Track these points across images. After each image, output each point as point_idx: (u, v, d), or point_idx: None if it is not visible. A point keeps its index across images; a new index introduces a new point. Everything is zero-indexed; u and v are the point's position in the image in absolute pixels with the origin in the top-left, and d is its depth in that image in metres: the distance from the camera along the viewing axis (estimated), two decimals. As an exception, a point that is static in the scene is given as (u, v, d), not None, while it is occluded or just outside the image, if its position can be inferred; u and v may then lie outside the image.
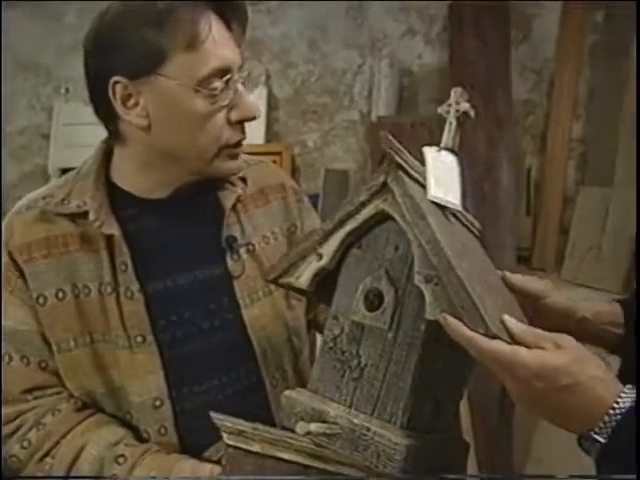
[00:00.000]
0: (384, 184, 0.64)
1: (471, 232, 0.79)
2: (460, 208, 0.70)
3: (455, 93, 0.74)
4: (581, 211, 2.37)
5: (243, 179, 0.96)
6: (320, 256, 0.68)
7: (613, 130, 2.27)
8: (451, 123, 0.73)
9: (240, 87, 0.84)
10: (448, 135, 0.73)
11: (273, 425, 0.68)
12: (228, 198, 0.93)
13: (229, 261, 0.91)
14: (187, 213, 0.91)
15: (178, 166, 0.87)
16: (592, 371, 0.56)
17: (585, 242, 2.33)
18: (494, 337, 0.56)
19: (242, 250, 0.92)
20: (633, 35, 2.21)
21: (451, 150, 0.72)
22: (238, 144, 0.87)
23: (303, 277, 0.70)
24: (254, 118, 0.85)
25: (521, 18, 2.54)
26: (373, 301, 0.65)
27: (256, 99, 2.81)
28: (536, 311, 0.75)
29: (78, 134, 2.62)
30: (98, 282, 0.84)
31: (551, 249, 2.51)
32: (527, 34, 2.59)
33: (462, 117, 0.74)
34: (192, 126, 0.81)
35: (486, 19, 2.54)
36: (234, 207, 0.94)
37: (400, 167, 0.64)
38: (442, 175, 0.68)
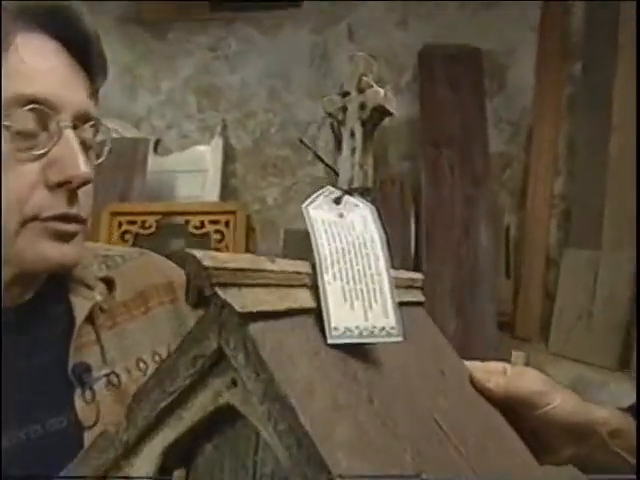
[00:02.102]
0: (219, 354, 0.32)
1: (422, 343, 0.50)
2: (397, 336, 0.38)
3: (355, 64, 0.47)
4: (567, 275, 2.16)
5: (107, 280, 0.68)
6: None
7: (598, 187, 2.08)
8: (353, 132, 0.47)
9: (71, 137, 0.57)
10: (348, 158, 0.46)
11: None
12: (80, 308, 0.64)
13: (78, 403, 0.62)
14: (29, 329, 0.63)
15: None
16: None
17: (573, 310, 2.11)
18: None
19: (100, 384, 0.63)
20: (612, 87, 2.06)
21: (361, 191, 0.47)
22: (64, 218, 0.59)
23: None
24: (82, 184, 0.58)
25: (495, 68, 2.39)
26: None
27: (212, 150, 2.57)
28: (535, 427, 0.51)
29: None
30: None
31: (535, 316, 2.28)
32: (502, 84, 2.43)
33: (374, 117, 0.47)
34: None
35: (458, 68, 2.38)
36: (92, 321, 0.65)
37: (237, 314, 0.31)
38: (351, 269, 0.38)
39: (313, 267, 0.37)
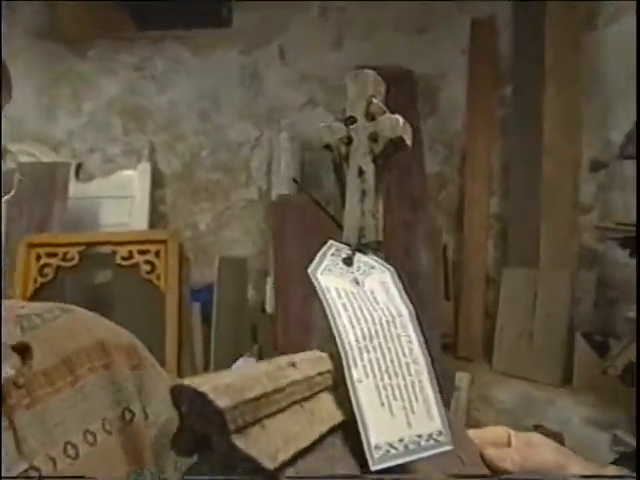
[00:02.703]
0: None
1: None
2: (446, 444, 0.31)
3: (362, 84, 0.40)
4: (506, 294, 2.17)
5: (22, 347, 0.55)
6: None
7: (533, 207, 2.12)
8: (362, 170, 0.40)
9: None
10: (357, 205, 0.39)
11: None
12: None
13: None
14: None
15: None
16: None
17: (514, 328, 2.11)
18: None
19: None
20: (542, 108, 2.12)
21: (375, 247, 0.40)
22: None
23: None
24: None
25: (427, 90, 2.40)
26: None
27: (139, 175, 2.43)
28: None
29: None
30: None
31: (477, 336, 2.27)
32: (434, 107, 2.44)
33: (388, 150, 0.38)
34: None
35: (392, 90, 2.37)
36: (1, 402, 0.52)
37: None
38: (383, 359, 0.31)
39: (332, 356, 0.30)
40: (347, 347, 0.29)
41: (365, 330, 0.31)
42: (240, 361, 2.02)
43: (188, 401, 0.22)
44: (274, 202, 2.38)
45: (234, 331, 2.18)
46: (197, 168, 2.54)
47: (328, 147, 0.39)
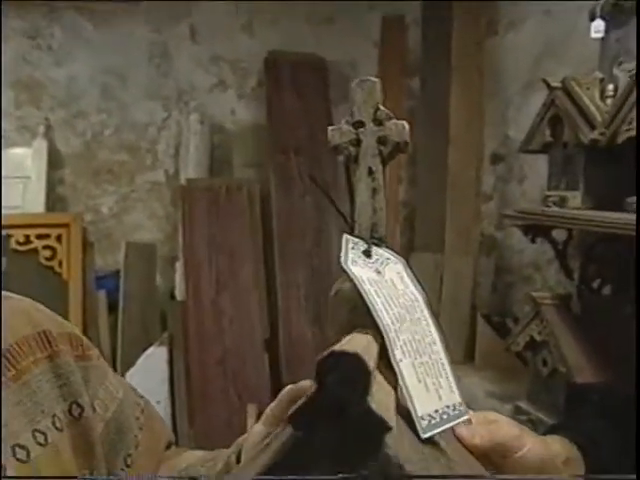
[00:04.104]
0: None
1: None
2: (464, 414, 0.36)
3: (369, 91, 0.43)
4: (413, 279, 2.26)
5: None
6: None
7: (438, 195, 2.22)
8: (371, 170, 0.42)
9: None
10: (368, 202, 0.42)
11: None
12: None
13: None
14: None
15: None
16: None
17: (420, 312, 2.21)
18: None
19: None
20: (448, 103, 2.22)
21: (385, 240, 0.42)
22: None
23: None
24: None
25: (339, 78, 2.43)
26: None
27: (33, 153, 2.25)
28: (512, 471, 0.50)
29: None
30: None
31: (384, 320, 2.35)
32: (346, 94, 2.47)
33: (394, 153, 0.41)
34: None
35: (304, 76, 2.38)
36: None
37: None
38: (413, 340, 0.35)
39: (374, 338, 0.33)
40: (387, 329, 0.31)
41: (397, 314, 0.33)
42: (150, 349, 1.95)
43: (334, 367, 0.22)
44: (183, 186, 2.31)
45: (143, 319, 2.10)
46: (99, 148, 2.41)
47: (336, 148, 0.42)
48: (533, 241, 1.56)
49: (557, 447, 0.55)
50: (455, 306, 2.13)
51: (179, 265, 2.16)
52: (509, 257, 2.18)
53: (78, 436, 0.56)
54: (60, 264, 1.96)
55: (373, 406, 0.22)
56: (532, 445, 0.50)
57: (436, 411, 0.32)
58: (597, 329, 1.47)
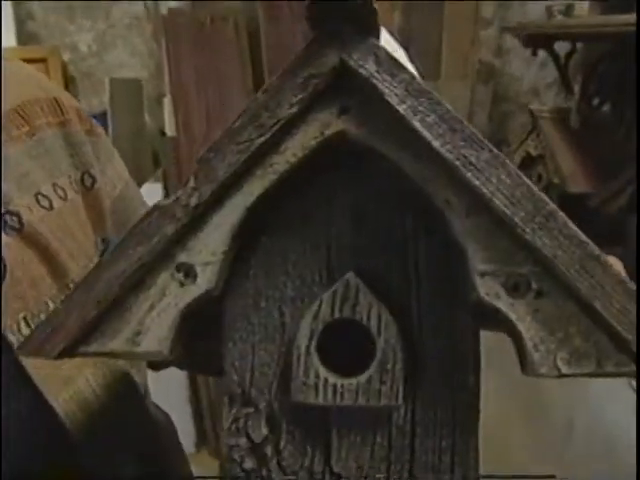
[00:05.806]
0: (338, 71, 0.28)
1: None
2: None
3: None
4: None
5: None
6: (189, 271, 0.29)
7: (435, 21, 2.11)
8: None
9: None
10: None
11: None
12: None
13: None
14: None
15: None
16: None
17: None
18: None
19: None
20: None
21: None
22: None
23: (150, 335, 0.29)
24: None
25: None
26: (347, 353, 0.29)
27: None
28: None
29: None
30: None
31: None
32: None
33: None
34: None
35: None
36: None
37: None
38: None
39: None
40: None
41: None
42: (145, 186, 1.95)
43: None
44: (165, 17, 2.17)
45: (134, 158, 2.07)
46: (68, -22, 2.21)
47: None
48: (534, 53, 1.50)
49: None
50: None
51: (167, 101, 2.09)
52: (507, 84, 2.12)
53: (89, 207, 0.56)
54: (42, 101, 1.88)
55: None
56: None
57: None
58: (594, 143, 1.46)
